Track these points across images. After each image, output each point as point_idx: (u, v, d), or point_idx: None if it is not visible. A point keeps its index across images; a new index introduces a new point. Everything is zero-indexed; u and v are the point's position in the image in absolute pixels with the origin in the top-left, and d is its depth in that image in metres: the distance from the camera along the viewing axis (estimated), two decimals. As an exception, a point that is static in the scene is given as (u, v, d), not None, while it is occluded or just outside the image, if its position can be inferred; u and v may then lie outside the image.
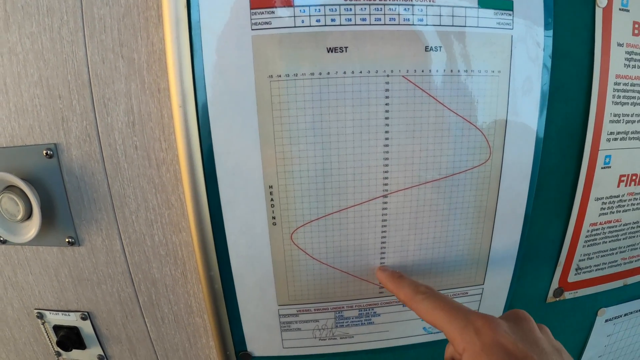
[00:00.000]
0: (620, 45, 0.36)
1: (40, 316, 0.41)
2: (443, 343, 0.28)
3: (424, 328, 0.40)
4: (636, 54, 0.37)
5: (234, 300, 0.36)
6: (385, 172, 0.32)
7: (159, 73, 0.32)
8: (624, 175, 0.40)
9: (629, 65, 0.37)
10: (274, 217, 0.33)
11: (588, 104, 0.36)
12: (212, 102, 0.30)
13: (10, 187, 0.34)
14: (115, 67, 0.32)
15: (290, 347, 0.39)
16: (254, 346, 0.39)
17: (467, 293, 0.38)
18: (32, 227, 0.35)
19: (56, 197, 0.36)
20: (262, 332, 0.38)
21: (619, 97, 0.37)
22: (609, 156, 0.38)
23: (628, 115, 0.38)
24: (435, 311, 0.27)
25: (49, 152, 0.34)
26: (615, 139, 0.38)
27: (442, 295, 0.29)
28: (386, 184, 0.33)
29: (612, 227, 0.41)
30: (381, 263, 0.35)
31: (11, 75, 0.32)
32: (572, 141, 0.37)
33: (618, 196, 0.40)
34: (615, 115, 0.37)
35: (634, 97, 0.37)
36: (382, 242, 0.35)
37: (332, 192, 0.32)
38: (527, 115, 0.34)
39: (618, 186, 0.40)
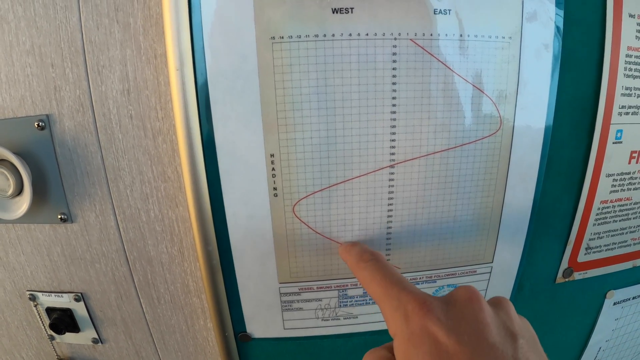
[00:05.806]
0: (631, 16, 0.35)
1: (33, 298, 0.40)
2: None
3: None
4: (648, 26, 0.36)
5: (232, 277, 0.35)
6: (392, 140, 0.31)
7: (155, 38, 0.31)
8: (635, 152, 0.39)
9: (641, 38, 0.36)
10: (275, 188, 0.32)
11: (600, 76, 0.35)
12: (211, 65, 0.29)
13: (0, 161, 0.33)
14: (110, 32, 0.31)
15: (291, 327, 0.38)
16: (253, 327, 0.38)
17: (475, 272, 0.37)
18: (23, 203, 0.34)
19: (48, 171, 0.34)
20: (262, 312, 0.36)
21: (630, 69, 0.36)
22: (621, 130, 0.37)
23: (640, 89, 0.37)
24: (372, 283, 0.25)
25: (40, 123, 0.33)
26: (627, 113, 0.37)
27: (384, 265, 0.26)
28: (393, 154, 0.31)
29: (623, 205, 0.40)
30: (387, 238, 0.34)
31: (2, 45, 0.31)
32: (583, 114, 0.35)
33: (629, 173, 0.39)
34: (627, 88, 0.36)
35: (645, 71, 0.36)
36: (389, 216, 0.33)
37: (337, 161, 0.31)
38: (538, 84, 0.32)
39: (629, 163, 0.39)
